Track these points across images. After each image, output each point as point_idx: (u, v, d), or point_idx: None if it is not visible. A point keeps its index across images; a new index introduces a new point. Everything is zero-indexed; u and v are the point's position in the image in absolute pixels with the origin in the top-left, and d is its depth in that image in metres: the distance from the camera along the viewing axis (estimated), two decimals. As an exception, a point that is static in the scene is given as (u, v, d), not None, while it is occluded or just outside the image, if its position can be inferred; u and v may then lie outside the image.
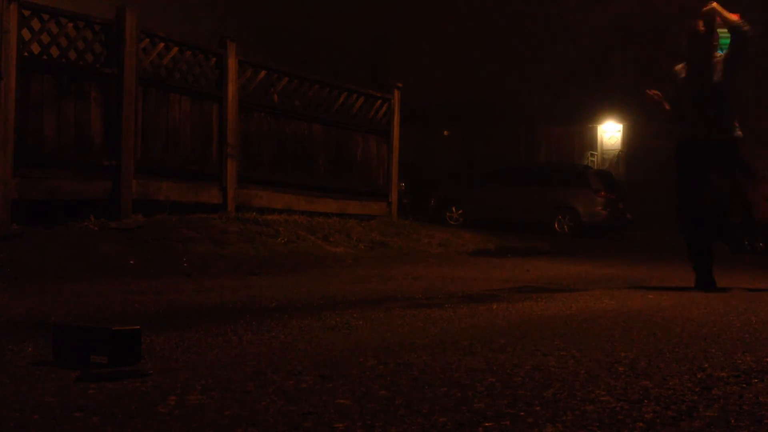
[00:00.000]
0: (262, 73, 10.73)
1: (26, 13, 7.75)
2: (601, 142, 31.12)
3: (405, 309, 4.62)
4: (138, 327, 2.80)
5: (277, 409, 2.20)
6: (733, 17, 6.26)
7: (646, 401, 2.35)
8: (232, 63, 10.03)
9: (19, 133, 7.64)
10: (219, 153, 9.92)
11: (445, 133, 30.29)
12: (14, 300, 4.78)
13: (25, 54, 7.78)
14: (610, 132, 30.89)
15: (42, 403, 2.22)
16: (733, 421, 2.17)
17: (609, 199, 19.64)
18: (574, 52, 28.63)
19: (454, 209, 20.46)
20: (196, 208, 9.32)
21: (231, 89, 10.03)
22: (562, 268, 9.02)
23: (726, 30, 6.35)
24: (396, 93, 13.14)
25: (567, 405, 2.29)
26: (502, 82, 28.00)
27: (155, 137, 9.13)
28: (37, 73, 7.87)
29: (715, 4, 6.32)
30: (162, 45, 9.19)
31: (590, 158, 29.87)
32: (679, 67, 6.68)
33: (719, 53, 6.46)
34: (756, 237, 6.75)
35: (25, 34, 7.82)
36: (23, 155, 7.66)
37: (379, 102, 12.83)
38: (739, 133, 6.46)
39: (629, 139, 30.62)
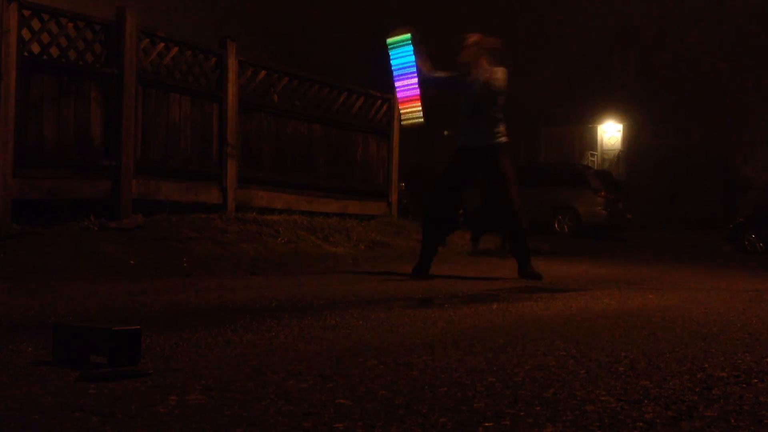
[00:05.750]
0: (262, 73, 10.73)
1: (26, 13, 7.75)
2: (601, 142, 31.13)
3: (405, 309, 4.62)
4: (138, 327, 2.80)
5: (277, 409, 2.20)
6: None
7: (646, 401, 2.35)
8: (232, 63, 10.02)
9: (20, 133, 7.64)
10: (219, 153, 9.92)
11: (445, 133, 30.30)
12: (14, 300, 4.78)
13: (25, 54, 7.78)
14: (610, 132, 30.92)
15: (42, 403, 2.22)
16: (733, 421, 2.17)
17: (609, 199, 19.65)
18: (575, 53, 28.63)
19: (454, 209, 20.43)
20: (196, 208, 9.32)
21: (231, 89, 10.03)
22: (562, 268, 9.02)
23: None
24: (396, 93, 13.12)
25: (567, 405, 2.29)
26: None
27: (155, 137, 9.13)
28: (37, 73, 7.87)
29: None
30: (162, 45, 9.19)
31: (590, 158, 29.87)
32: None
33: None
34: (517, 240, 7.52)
35: (25, 34, 7.82)
36: (23, 155, 7.66)
37: (379, 102, 12.83)
38: (502, 139, 7.19)
39: (629, 139, 30.66)
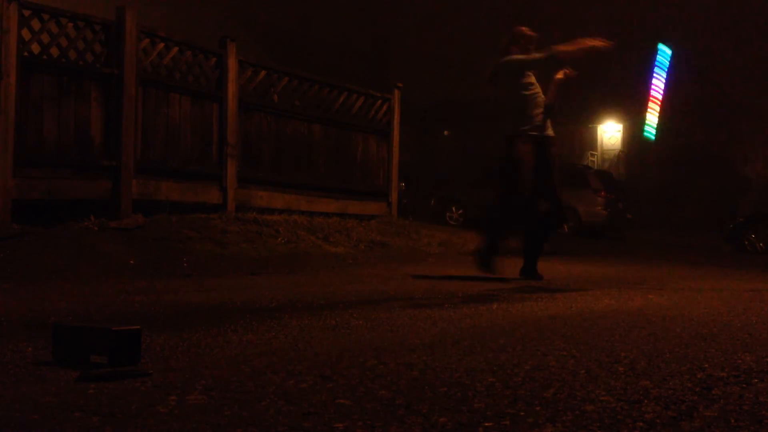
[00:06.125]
0: (262, 73, 10.73)
1: (26, 13, 7.74)
2: (601, 142, 31.14)
3: (405, 309, 4.62)
4: (138, 327, 2.80)
5: (277, 409, 2.20)
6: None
7: (646, 401, 2.35)
8: (232, 63, 10.02)
9: (19, 133, 7.64)
10: (219, 153, 9.92)
11: (445, 133, 30.33)
12: (14, 300, 4.78)
13: (25, 54, 7.77)
14: (610, 132, 30.93)
15: (42, 403, 2.22)
16: (733, 421, 2.17)
17: (609, 199, 19.65)
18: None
19: (454, 209, 20.46)
20: (196, 208, 9.32)
21: (231, 89, 10.03)
22: (562, 268, 9.02)
23: None
24: (396, 93, 13.13)
25: (567, 405, 2.29)
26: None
27: (155, 137, 9.12)
28: (37, 73, 7.86)
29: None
30: (162, 45, 9.19)
31: (590, 158, 29.87)
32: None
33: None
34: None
35: (25, 34, 7.81)
36: (23, 155, 7.65)
37: (379, 102, 12.83)
38: (551, 132, 7.48)
39: (629, 139, 30.66)
